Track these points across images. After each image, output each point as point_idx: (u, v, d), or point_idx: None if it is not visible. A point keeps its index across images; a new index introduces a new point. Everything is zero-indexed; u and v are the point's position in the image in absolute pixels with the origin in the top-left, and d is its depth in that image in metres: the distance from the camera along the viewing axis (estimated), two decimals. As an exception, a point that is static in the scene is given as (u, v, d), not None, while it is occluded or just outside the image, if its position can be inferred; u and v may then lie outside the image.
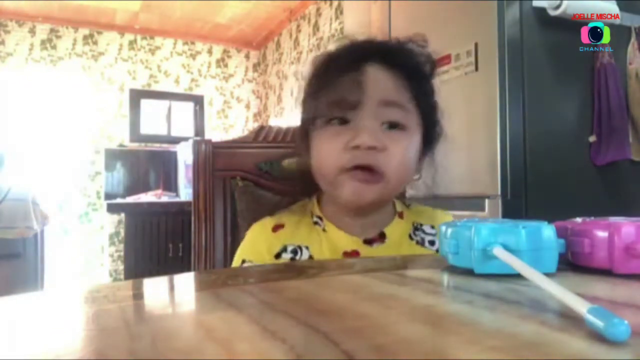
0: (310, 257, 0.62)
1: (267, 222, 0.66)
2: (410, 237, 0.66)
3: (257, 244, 0.64)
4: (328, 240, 0.63)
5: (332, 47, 0.65)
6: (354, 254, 0.63)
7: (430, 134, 0.64)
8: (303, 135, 0.65)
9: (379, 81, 0.59)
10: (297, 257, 0.62)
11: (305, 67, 0.68)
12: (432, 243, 0.66)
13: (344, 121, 0.59)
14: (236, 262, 0.66)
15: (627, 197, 1.72)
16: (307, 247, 0.63)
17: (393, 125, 0.59)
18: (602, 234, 0.34)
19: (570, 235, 0.36)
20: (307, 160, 0.65)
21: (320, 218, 0.65)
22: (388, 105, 0.59)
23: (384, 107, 0.59)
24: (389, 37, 0.66)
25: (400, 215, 0.67)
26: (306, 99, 0.64)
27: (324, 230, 0.64)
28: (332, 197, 0.64)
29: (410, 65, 0.62)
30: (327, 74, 0.60)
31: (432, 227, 0.67)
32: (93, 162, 3.93)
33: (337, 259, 0.61)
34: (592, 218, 0.38)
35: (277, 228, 0.65)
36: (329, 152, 0.59)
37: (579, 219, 0.38)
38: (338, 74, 0.59)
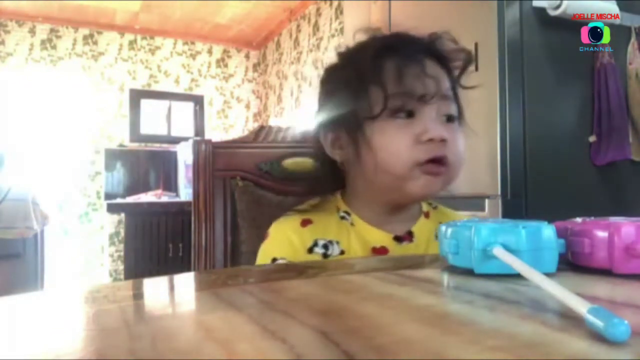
0: (342, 252, 0.62)
1: (294, 218, 0.65)
2: (436, 237, 0.66)
3: (289, 239, 0.63)
4: (357, 235, 0.63)
5: (368, 38, 0.64)
6: (383, 250, 0.62)
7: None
8: (337, 129, 0.64)
9: (439, 75, 0.61)
10: (329, 252, 0.61)
11: (321, 74, 0.67)
12: None
13: (409, 114, 0.59)
14: (264, 262, 0.64)
15: (627, 197, 1.72)
16: (337, 242, 0.62)
17: (450, 118, 0.61)
18: (602, 234, 0.34)
19: (570, 235, 0.36)
20: (345, 157, 0.64)
21: (348, 213, 0.65)
22: (447, 99, 0.61)
23: (444, 100, 0.60)
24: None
25: (427, 215, 0.67)
26: (353, 91, 0.62)
27: (352, 224, 0.64)
28: (378, 196, 0.63)
29: (451, 61, 0.64)
30: (385, 65, 0.59)
31: None
32: (93, 162, 3.93)
33: (338, 259, 0.61)
34: (592, 218, 0.38)
35: (305, 223, 0.64)
36: (399, 146, 0.58)
37: (579, 219, 0.38)
38: (403, 66, 0.58)
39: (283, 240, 0.63)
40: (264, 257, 0.64)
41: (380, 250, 0.62)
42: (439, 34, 0.64)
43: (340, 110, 0.63)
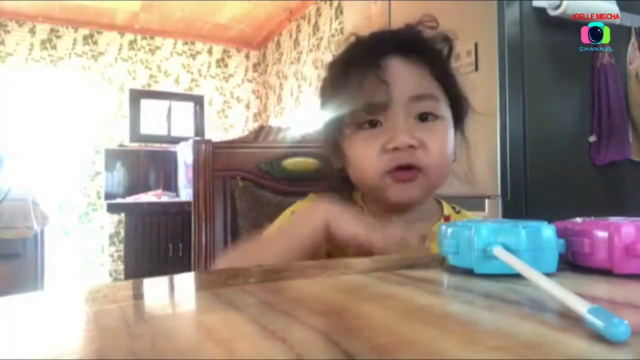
0: None
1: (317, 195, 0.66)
2: None
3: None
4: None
5: (341, 47, 0.64)
6: None
7: (459, 112, 0.64)
8: (333, 142, 0.64)
9: (403, 76, 0.58)
10: None
11: (321, 74, 0.67)
12: None
13: (374, 123, 0.58)
14: (284, 217, 0.65)
15: (627, 197, 1.72)
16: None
17: (424, 117, 0.58)
18: (602, 234, 0.34)
19: (570, 235, 0.36)
20: (343, 168, 0.64)
21: (362, 209, 0.65)
22: (418, 99, 0.58)
23: (415, 101, 0.58)
24: (389, 24, 0.65)
25: (447, 220, 0.66)
26: (329, 106, 0.62)
27: None
28: (374, 198, 0.64)
29: (428, 50, 0.61)
30: (348, 78, 0.59)
31: None
32: (93, 162, 3.93)
33: (337, 259, 0.61)
34: (592, 218, 0.38)
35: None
36: (366, 158, 0.58)
37: (579, 219, 0.38)
38: (360, 76, 0.57)
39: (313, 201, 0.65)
40: (284, 215, 0.65)
41: None
42: (416, 23, 0.62)
43: (329, 121, 0.64)
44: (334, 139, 0.63)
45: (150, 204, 3.21)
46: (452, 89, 0.62)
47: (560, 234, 0.36)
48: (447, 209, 0.67)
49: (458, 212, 0.69)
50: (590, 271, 0.34)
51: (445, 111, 0.60)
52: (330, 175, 0.69)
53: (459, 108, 0.63)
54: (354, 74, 0.58)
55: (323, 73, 0.67)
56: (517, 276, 0.30)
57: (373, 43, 0.61)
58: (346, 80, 0.58)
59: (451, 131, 0.61)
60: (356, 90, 0.57)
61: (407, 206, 0.62)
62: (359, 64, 0.58)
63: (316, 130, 0.71)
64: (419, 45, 0.61)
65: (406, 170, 0.57)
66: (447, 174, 0.63)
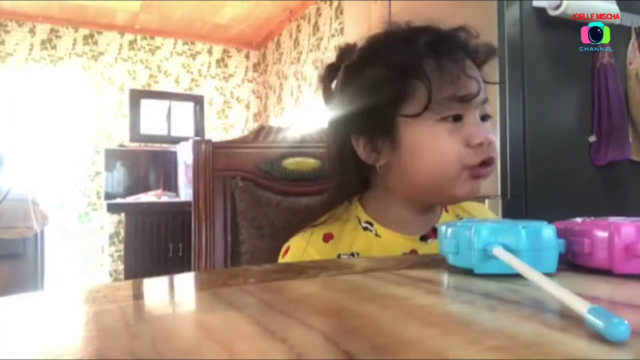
0: None
1: (316, 234, 0.62)
2: None
3: (310, 257, 0.61)
4: (381, 246, 0.61)
5: (389, 32, 0.63)
6: (412, 253, 0.62)
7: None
8: (374, 132, 0.60)
9: (478, 76, 0.60)
10: None
11: (353, 54, 0.63)
12: None
13: (457, 117, 0.58)
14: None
15: (627, 197, 1.72)
16: (359, 254, 0.61)
17: (484, 118, 0.61)
18: (602, 234, 0.34)
19: (570, 235, 0.36)
20: (385, 161, 0.61)
21: (370, 223, 0.63)
22: (485, 101, 0.61)
23: (484, 103, 0.60)
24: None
25: (446, 209, 0.68)
26: (402, 91, 0.58)
27: (376, 235, 0.62)
28: (415, 197, 0.62)
29: (482, 57, 0.63)
30: (432, 65, 0.57)
31: (471, 214, 0.70)
32: (93, 162, 3.93)
33: (336, 259, 0.61)
34: (592, 218, 0.38)
35: (327, 238, 0.62)
36: (450, 150, 0.57)
37: (579, 219, 0.38)
38: (450, 68, 0.57)
39: (304, 258, 0.61)
40: None
41: (411, 254, 0.62)
42: (466, 28, 0.63)
43: (375, 111, 0.59)
44: (377, 130, 0.60)
45: (150, 204, 3.21)
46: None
47: (560, 234, 0.36)
48: None
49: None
50: (590, 271, 0.34)
51: None
52: (340, 174, 0.66)
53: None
54: (438, 62, 0.57)
55: (342, 72, 0.63)
56: (517, 276, 0.30)
57: (448, 36, 0.61)
58: (424, 66, 0.57)
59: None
60: (443, 80, 0.57)
61: (469, 199, 0.63)
62: (440, 53, 0.58)
63: (335, 129, 0.65)
64: (479, 52, 0.63)
65: (487, 166, 0.58)
66: None
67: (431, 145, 0.58)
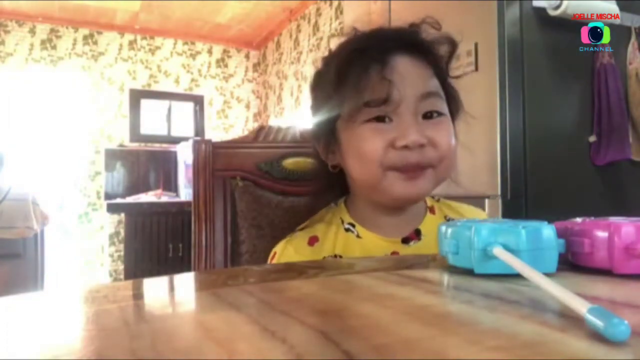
0: None
1: (300, 237, 0.64)
2: None
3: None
4: (363, 248, 0.62)
5: (344, 40, 0.63)
6: (393, 255, 0.62)
7: (453, 113, 0.64)
8: (327, 137, 0.63)
9: (412, 74, 0.58)
10: None
11: (319, 63, 0.66)
12: None
13: (382, 118, 0.58)
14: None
15: (627, 197, 1.72)
16: (342, 257, 0.62)
17: (429, 115, 0.59)
18: (602, 234, 0.34)
19: (570, 235, 0.36)
20: (337, 164, 0.64)
21: (352, 225, 0.64)
22: (425, 97, 0.58)
23: (422, 100, 0.58)
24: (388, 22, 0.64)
25: (432, 211, 0.67)
26: (331, 98, 0.61)
27: (358, 236, 0.63)
28: (369, 198, 0.63)
29: (433, 51, 0.62)
30: (357, 70, 0.58)
31: (462, 216, 0.69)
32: (93, 162, 3.93)
33: (336, 259, 0.61)
34: (592, 218, 0.38)
35: (312, 241, 0.63)
36: (372, 151, 0.57)
37: (579, 219, 0.38)
38: (370, 71, 0.57)
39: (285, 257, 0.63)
40: None
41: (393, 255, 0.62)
42: (419, 23, 0.63)
43: (324, 116, 0.62)
44: (330, 133, 0.63)
45: (150, 204, 3.20)
46: (450, 90, 0.64)
47: (561, 234, 0.36)
48: (429, 201, 0.68)
49: (438, 201, 0.70)
50: (590, 271, 0.34)
51: (447, 110, 0.61)
52: (321, 176, 0.68)
53: (453, 110, 0.64)
54: (364, 68, 0.57)
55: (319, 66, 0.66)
56: (517, 276, 0.30)
57: (381, 39, 0.61)
58: (355, 74, 0.58)
59: (452, 127, 0.62)
60: (366, 85, 0.57)
61: (412, 202, 0.62)
62: (367, 58, 0.58)
63: (309, 127, 0.69)
64: (425, 46, 0.61)
65: (413, 169, 0.57)
66: (454, 167, 0.63)
67: (355, 146, 0.59)
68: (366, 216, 0.64)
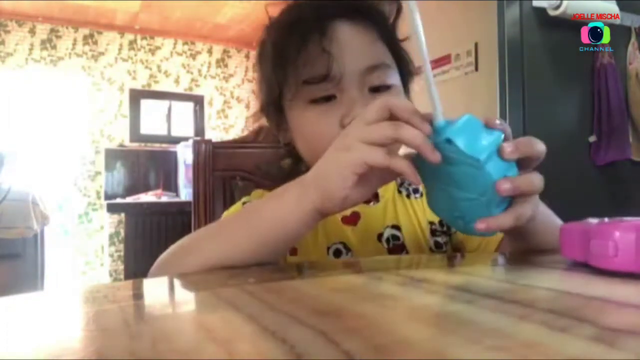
0: None
1: (261, 193, 0.65)
2: (399, 192, 0.66)
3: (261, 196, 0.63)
4: None
5: (283, 8, 0.59)
6: (354, 216, 0.61)
7: (405, 77, 0.61)
8: (276, 115, 0.60)
9: (357, 45, 0.54)
10: None
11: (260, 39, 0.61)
12: (415, 191, 0.66)
13: (328, 97, 0.54)
14: (235, 208, 0.63)
15: (627, 196, 1.72)
16: None
17: (377, 88, 0.55)
18: (628, 236, 0.33)
19: (592, 238, 0.35)
20: (289, 142, 0.62)
21: None
22: (372, 70, 0.55)
23: (369, 73, 0.54)
24: None
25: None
26: (274, 77, 0.56)
27: None
28: None
29: (376, 13, 0.58)
30: (294, 46, 0.53)
31: None
32: (93, 162, 3.93)
33: (336, 259, 0.61)
34: (606, 219, 0.37)
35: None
36: (322, 133, 0.53)
37: (592, 220, 0.37)
38: (310, 43, 0.53)
39: (259, 194, 0.65)
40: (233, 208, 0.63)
41: (352, 217, 0.61)
42: None
43: (267, 94, 0.60)
44: (278, 111, 0.60)
45: (150, 204, 3.20)
46: (400, 53, 0.60)
47: (578, 236, 0.36)
48: None
49: None
50: (615, 275, 0.34)
51: (397, 78, 0.58)
52: (277, 158, 0.68)
53: (405, 73, 0.61)
54: (302, 41, 0.53)
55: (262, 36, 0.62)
56: (517, 276, 0.30)
57: (318, 6, 0.56)
58: (294, 49, 0.53)
59: (403, 98, 0.59)
60: (306, 61, 0.53)
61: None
62: (305, 29, 0.53)
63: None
64: (366, 8, 0.57)
65: None
66: None
67: (303, 129, 0.57)
68: None
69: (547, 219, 0.49)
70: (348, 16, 0.55)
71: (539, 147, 0.39)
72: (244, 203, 0.64)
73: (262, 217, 0.45)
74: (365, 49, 0.55)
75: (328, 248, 0.60)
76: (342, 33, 0.54)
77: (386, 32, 0.58)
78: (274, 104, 0.59)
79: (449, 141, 0.36)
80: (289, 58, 0.53)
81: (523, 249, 0.48)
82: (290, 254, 0.60)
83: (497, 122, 0.38)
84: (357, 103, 0.53)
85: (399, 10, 0.60)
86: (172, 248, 0.49)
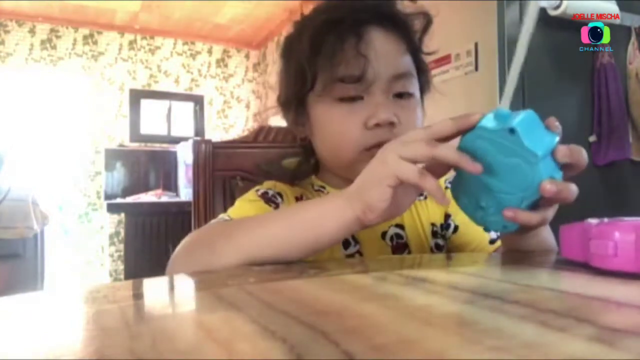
0: None
1: (273, 184, 0.66)
2: None
3: (279, 183, 0.64)
4: None
5: (317, 7, 0.61)
6: None
7: (423, 87, 0.63)
8: (297, 106, 0.62)
9: (388, 50, 0.57)
10: None
11: (289, 33, 0.63)
12: (419, 194, 0.66)
13: (354, 97, 0.57)
14: (250, 197, 0.64)
15: (627, 197, 1.72)
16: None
17: (400, 95, 0.58)
18: (628, 236, 0.33)
19: (593, 238, 0.35)
20: (306, 137, 0.64)
21: (323, 187, 0.65)
22: (399, 78, 0.58)
23: (396, 80, 0.58)
24: None
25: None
26: (303, 68, 0.58)
27: (327, 194, 0.64)
28: (339, 174, 0.63)
29: (407, 25, 0.60)
30: (332, 42, 0.56)
31: None
32: (93, 162, 3.93)
33: (337, 259, 0.61)
34: (606, 219, 0.37)
35: (269, 196, 0.64)
36: (345, 132, 0.56)
37: (592, 220, 0.37)
38: (346, 44, 0.55)
39: (271, 185, 0.65)
40: (248, 195, 0.64)
41: None
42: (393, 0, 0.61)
43: (294, 86, 0.61)
44: (300, 105, 0.61)
45: (150, 204, 3.20)
46: (421, 65, 0.63)
47: (578, 236, 0.36)
48: None
49: None
50: (615, 274, 0.34)
51: (417, 88, 0.61)
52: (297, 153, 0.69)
53: (422, 83, 0.63)
54: (339, 40, 0.55)
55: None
56: (517, 276, 0.30)
57: (356, 10, 0.58)
58: (329, 46, 0.56)
59: (420, 108, 0.62)
60: (341, 59, 0.55)
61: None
62: (342, 30, 0.56)
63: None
64: (400, 19, 0.60)
65: None
66: None
67: (328, 126, 0.58)
68: (335, 182, 0.64)
69: (549, 235, 0.50)
70: (382, 24, 0.58)
71: (586, 158, 0.41)
72: (257, 190, 0.64)
73: (303, 219, 0.47)
74: (395, 57, 0.58)
75: None
76: (376, 39, 0.57)
77: (412, 43, 0.61)
78: (298, 98, 0.61)
79: (512, 131, 0.37)
80: (326, 54, 0.56)
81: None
82: None
83: (557, 124, 0.40)
84: (382, 107, 0.56)
85: (428, 24, 0.62)
86: (191, 243, 0.52)
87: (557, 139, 0.39)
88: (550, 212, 0.41)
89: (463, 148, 0.39)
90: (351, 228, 0.45)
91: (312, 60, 0.57)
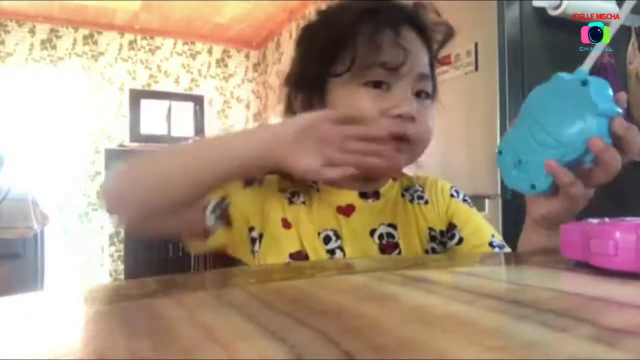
0: (303, 202, 0.63)
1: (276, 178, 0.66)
2: (403, 195, 0.68)
3: (269, 177, 0.65)
4: (320, 198, 0.64)
5: (346, 1, 0.64)
6: (348, 208, 0.63)
7: (432, 94, 0.65)
8: (312, 89, 0.62)
9: (417, 51, 0.60)
10: (293, 199, 0.63)
11: (316, 14, 0.65)
12: (420, 197, 0.68)
13: (379, 84, 0.58)
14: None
15: (627, 197, 1.72)
16: (302, 196, 0.64)
17: (419, 94, 0.61)
18: (629, 235, 0.33)
19: (592, 237, 0.35)
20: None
21: (315, 182, 0.65)
22: (422, 77, 0.60)
23: (420, 79, 0.60)
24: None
25: (393, 179, 0.69)
26: (336, 54, 0.60)
27: (317, 190, 0.64)
28: None
29: (431, 32, 0.63)
30: (370, 29, 0.58)
31: (420, 185, 0.70)
32: (93, 162, 3.93)
33: (336, 259, 0.61)
34: (607, 219, 0.37)
35: (282, 188, 0.65)
36: (368, 115, 0.57)
37: (593, 220, 0.37)
38: (383, 35, 0.57)
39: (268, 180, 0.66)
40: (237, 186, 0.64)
41: (347, 209, 0.63)
42: (422, 3, 0.64)
43: (313, 70, 0.62)
44: (317, 87, 0.62)
45: (151, 204, 3.20)
46: (434, 74, 0.65)
47: (579, 236, 0.36)
48: None
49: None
50: (615, 274, 0.34)
51: (431, 92, 0.63)
52: None
53: (432, 92, 0.65)
54: (373, 29, 0.58)
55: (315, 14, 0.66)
56: (517, 276, 0.30)
57: (392, 6, 0.61)
58: (359, 32, 0.58)
59: (434, 111, 0.64)
60: (374, 47, 0.57)
61: (389, 174, 0.65)
62: (379, 21, 0.58)
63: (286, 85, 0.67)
64: (427, 26, 0.63)
65: (397, 141, 0.58)
66: (424, 150, 0.64)
67: (349, 108, 0.59)
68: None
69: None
70: (413, 25, 0.61)
71: (639, 141, 0.44)
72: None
73: (218, 137, 0.56)
74: (423, 58, 0.61)
75: (319, 233, 0.61)
76: (410, 37, 0.60)
77: (432, 50, 0.64)
78: (317, 78, 0.62)
79: (584, 83, 0.38)
80: (363, 40, 0.58)
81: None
82: (284, 227, 0.61)
83: (624, 100, 0.43)
84: (406, 100, 0.58)
85: (449, 36, 0.65)
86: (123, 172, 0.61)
87: (620, 111, 0.41)
88: (579, 187, 0.45)
89: (535, 94, 0.40)
90: (260, 151, 0.52)
91: (348, 43, 0.58)
